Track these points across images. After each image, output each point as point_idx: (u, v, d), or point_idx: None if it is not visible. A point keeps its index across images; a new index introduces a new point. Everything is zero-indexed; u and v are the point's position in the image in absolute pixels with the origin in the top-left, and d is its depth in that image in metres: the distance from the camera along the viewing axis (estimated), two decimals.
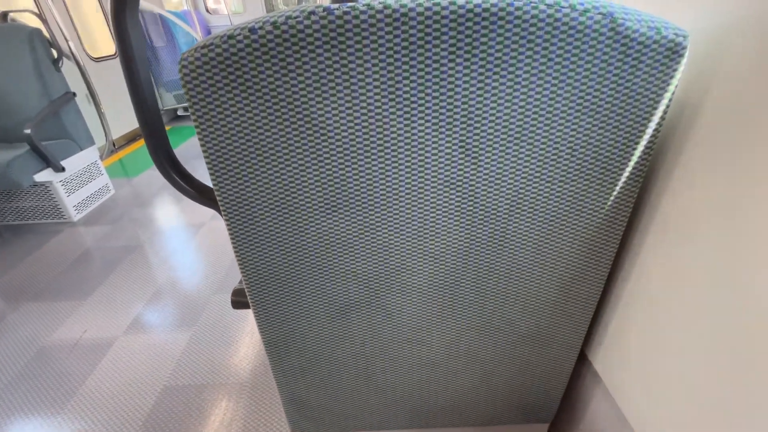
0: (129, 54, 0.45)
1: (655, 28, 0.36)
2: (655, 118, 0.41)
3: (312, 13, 0.35)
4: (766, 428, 0.33)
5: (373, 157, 0.43)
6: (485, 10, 0.35)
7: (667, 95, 0.40)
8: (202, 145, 0.42)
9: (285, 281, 0.54)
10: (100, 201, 2.23)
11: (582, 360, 0.69)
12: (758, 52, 0.34)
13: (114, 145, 3.18)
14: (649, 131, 0.42)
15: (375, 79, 0.39)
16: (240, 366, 1.15)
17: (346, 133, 0.42)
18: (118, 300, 1.45)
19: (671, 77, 0.39)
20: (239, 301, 0.64)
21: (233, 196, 0.46)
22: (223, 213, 0.47)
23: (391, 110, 0.40)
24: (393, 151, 0.43)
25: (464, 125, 0.41)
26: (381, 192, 0.46)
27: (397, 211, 0.47)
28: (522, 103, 0.40)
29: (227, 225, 0.48)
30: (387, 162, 0.44)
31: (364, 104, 0.40)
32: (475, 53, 0.37)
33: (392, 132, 0.42)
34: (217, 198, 0.46)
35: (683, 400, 0.43)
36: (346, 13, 0.35)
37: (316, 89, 0.39)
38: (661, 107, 0.41)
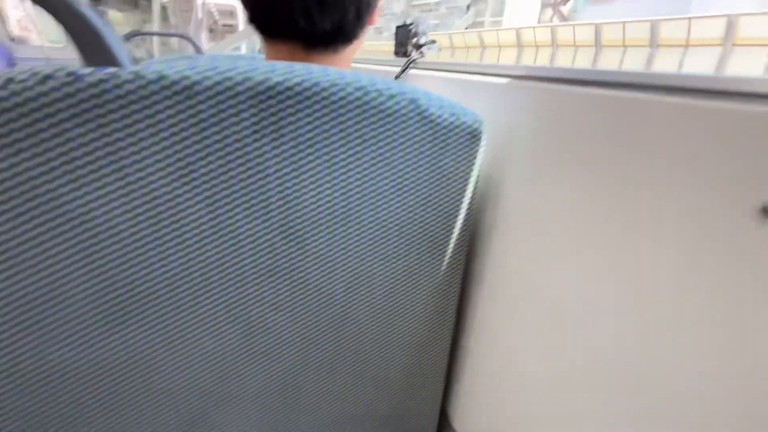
0: None
1: (455, 115, 0.38)
2: (468, 193, 0.43)
3: (49, 77, 0.26)
4: None
5: (169, 251, 0.34)
6: (288, 88, 0.32)
7: (475, 173, 0.42)
8: None
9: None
10: None
11: (446, 426, 0.68)
12: (540, 132, 0.38)
13: None
14: (465, 205, 0.44)
15: (158, 161, 0.31)
16: None
17: (126, 229, 0.32)
18: None
19: (475, 157, 0.41)
20: None
21: None
22: None
23: (186, 196, 0.33)
24: (196, 242, 0.35)
25: (282, 209, 0.36)
26: (186, 290, 0.37)
27: (211, 311, 0.39)
28: (343, 183, 0.37)
29: None
30: (189, 256, 0.35)
31: (147, 192, 0.31)
32: (284, 132, 0.33)
33: (191, 221, 0.34)
34: None
35: None
36: (103, 81, 0.27)
37: (67, 173, 0.29)
38: (472, 183, 0.43)
